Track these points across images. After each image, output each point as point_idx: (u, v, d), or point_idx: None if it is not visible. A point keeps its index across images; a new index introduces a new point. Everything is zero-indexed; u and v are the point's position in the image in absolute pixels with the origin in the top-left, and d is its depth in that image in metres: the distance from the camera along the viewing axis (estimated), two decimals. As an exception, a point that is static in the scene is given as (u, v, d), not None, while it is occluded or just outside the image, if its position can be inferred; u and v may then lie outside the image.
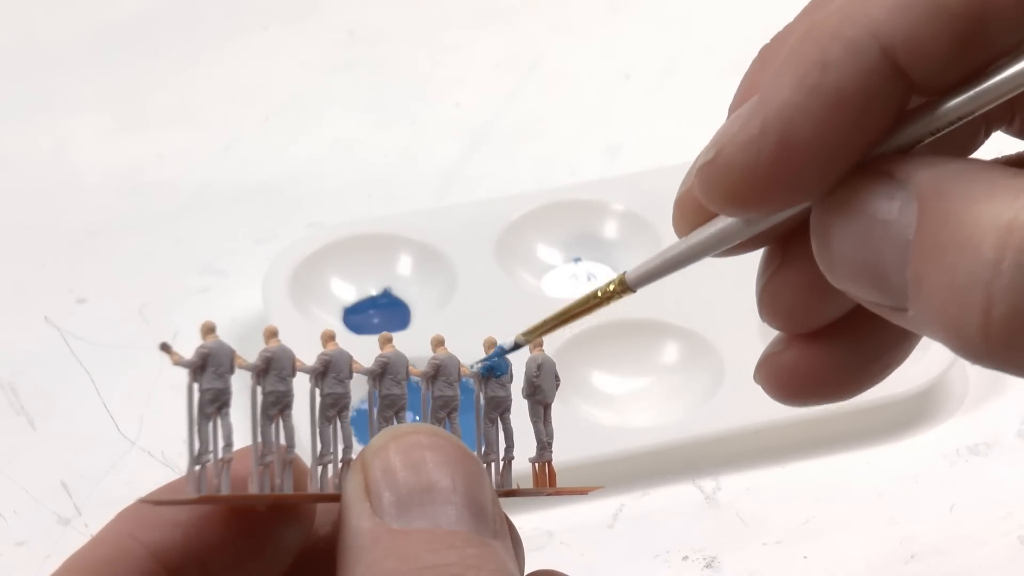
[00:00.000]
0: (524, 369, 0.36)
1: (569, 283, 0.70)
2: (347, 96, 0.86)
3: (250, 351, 0.33)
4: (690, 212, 0.33)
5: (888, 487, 0.60)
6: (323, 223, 0.74)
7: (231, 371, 0.32)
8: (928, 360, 0.62)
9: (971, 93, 0.28)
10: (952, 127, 0.29)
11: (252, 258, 0.73)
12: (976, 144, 0.34)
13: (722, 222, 0.32)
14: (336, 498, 0.32)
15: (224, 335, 0.33)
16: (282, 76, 0.88)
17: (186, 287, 0.72)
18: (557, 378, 0.37)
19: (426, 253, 0.70)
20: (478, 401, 0.36)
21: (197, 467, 0.31)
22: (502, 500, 0.34)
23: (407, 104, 0.85)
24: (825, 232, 0.30)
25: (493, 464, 0.36)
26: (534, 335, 0.36)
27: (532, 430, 0.36)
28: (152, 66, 0.89)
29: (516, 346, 0.36)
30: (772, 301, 0.34)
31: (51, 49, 0.90)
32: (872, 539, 0.58)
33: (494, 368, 0.36)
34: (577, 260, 0.71)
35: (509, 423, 0.36)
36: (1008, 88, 0.28)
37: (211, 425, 0.32)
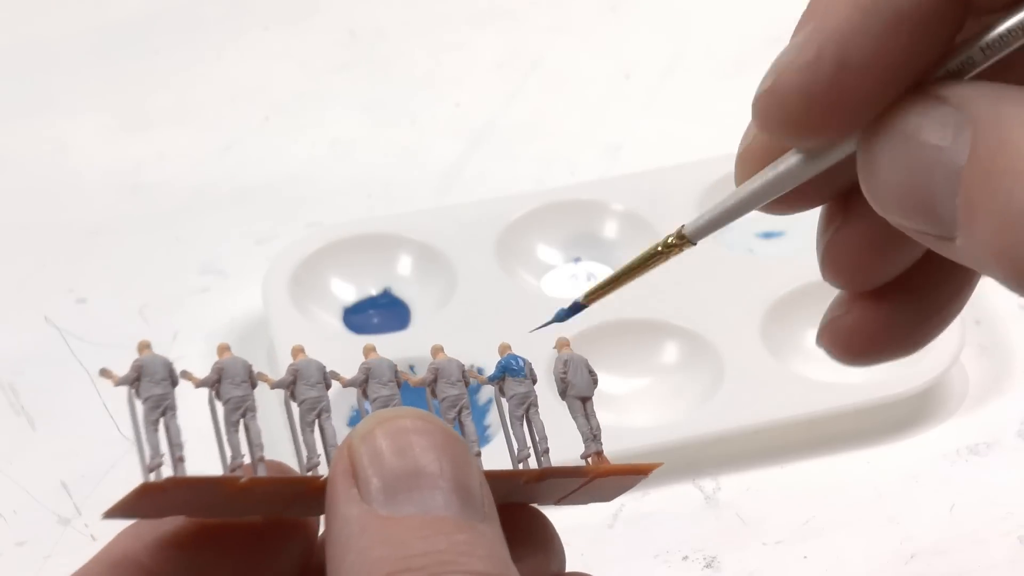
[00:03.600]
0: (552, 371, 0.36)
1: (569, 283, 0.70)
2: (347, 96, 0.86)
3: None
4: (751, 167, 0.32)
5: (888, 487, 0.60)
6: (323, 223, 0.74)
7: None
8: (928, 360, 0.62)
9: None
10: (1008, 50, 0.28)
11: (252, 258, 0.73)
12: None
13: (782, 164, 0.31)
14: (318, 482, 0.32)
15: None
16: (282, 76, 0.88)
17: (186, 287, 0.72)
18: (592, 372, 0.36)
19: (426, 253, 0.70)
20: (500, 404, 0.36)
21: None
22: (535, 484, 0.34)
23: (407, 104, 0.85)
24: (872, 157, 0.29)
25: (531, 460, 0.35)
26: (596, 295, 0.35)
27: (576, 428, 0.36)
28: (152, 66, 0.89)
29: (576, 307, 0.36)
30: (835, 259, 0.34)
31: (51, 49, 0.90)
32: (872, 539, 0.58)
33: (509, 368, 0.36)
34: (577, 260, 0.71)
35: (538, 418, 0.35)
36: None
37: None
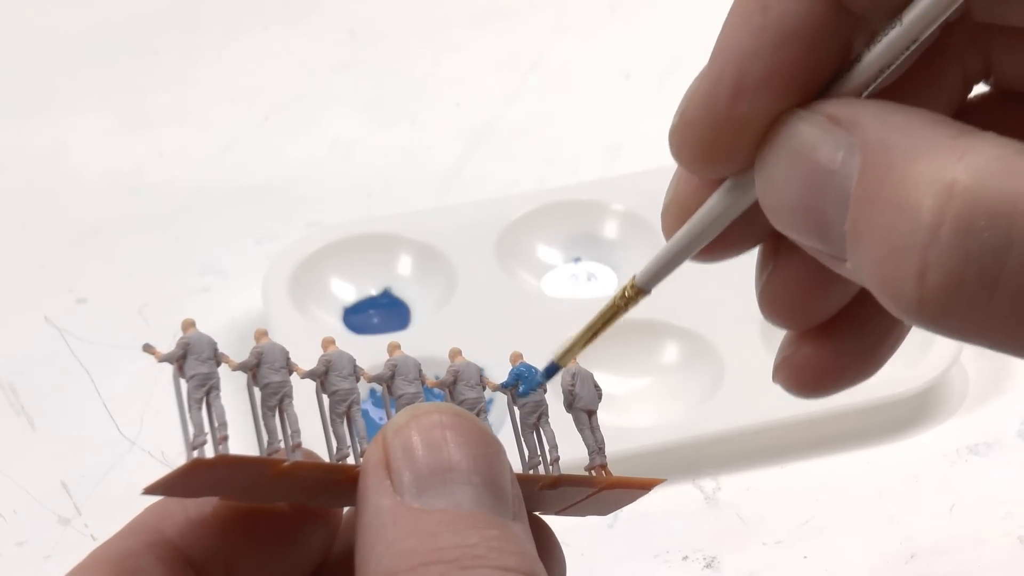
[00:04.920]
0: (560, 383, 0.37)
1: (569, 283, 0.70)
2: (347, 96, 0.86)
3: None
4: (677, 218, 0.33)
5: (888, 487, 0.60)
6: (323, 223, 0.74)
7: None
8: (928, 360, 0.62)
9: (909, 19, 0.28)
10: (901, 58, 0.28)
11: (252, 258, 0.73)
12: (960, 99, 0.33)
13: (710, 202, 0.32)
14: (354, 471, 0.32)
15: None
16: (282, 76, 0.88)
17: (186, 287, 0.72)
18: (597, 387, 0.37)
19: (426, 253, 0.70)
20: (512, 412, 0.36)
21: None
22: (545, 492, 0.34)
23: (407, 104, 0.85)
24: (769, 173, 0.29)
25: (540, 467, 0.35)
26: (568, 357, 0.36)
27: (581, 440, 0.36)
28: (152, 66, 0.89)
29: (552, 368, 0.36)
30: (772, 301, 0.34)
31: (51, 49, 0.90)
32: (872, 539, 0.58)
33: (522, 376, 0.36)
34: (577, 260, 0.71)
35: (549, 428, 0.36)
36: (941, 7, 0.27)
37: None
